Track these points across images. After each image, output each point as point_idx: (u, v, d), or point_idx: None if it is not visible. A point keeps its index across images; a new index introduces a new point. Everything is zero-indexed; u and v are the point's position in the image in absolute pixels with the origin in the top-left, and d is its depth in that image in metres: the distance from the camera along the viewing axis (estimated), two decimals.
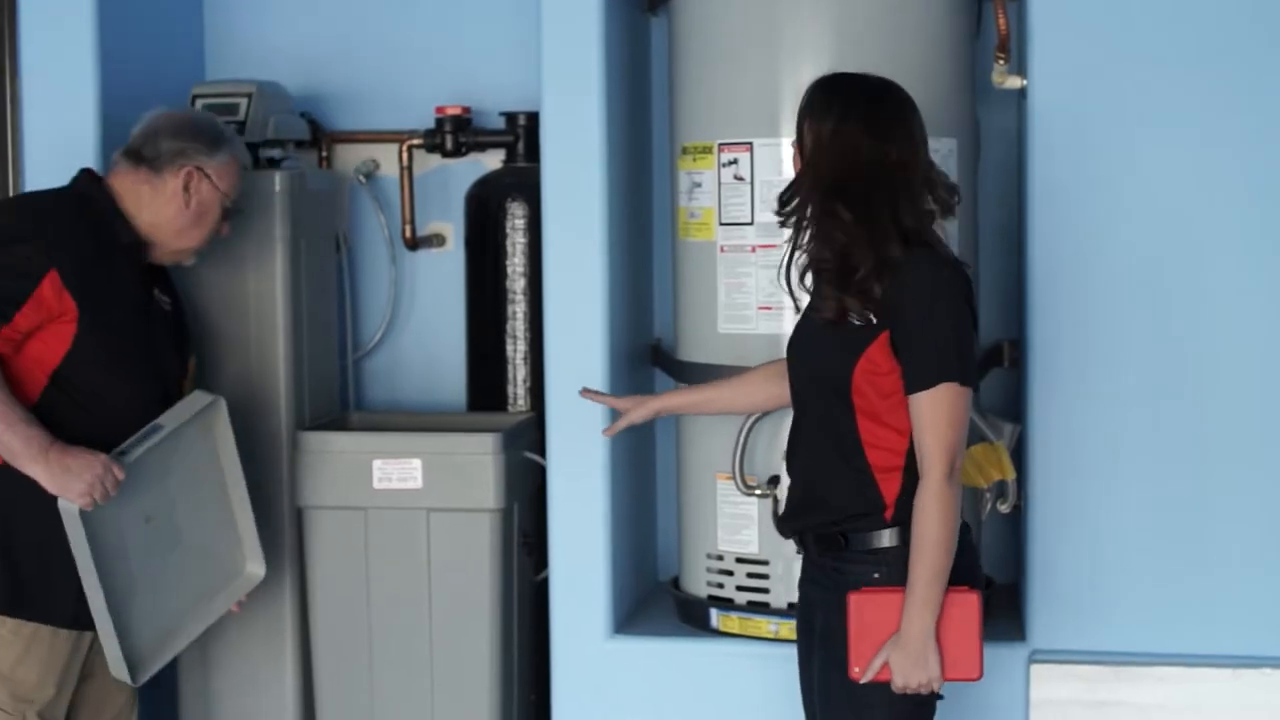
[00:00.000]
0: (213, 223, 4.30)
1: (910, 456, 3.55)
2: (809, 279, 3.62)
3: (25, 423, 3.94)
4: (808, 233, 3.57)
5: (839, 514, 3.60)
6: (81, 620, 4.06)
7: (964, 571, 3.57)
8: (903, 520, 3.54)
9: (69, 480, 3.94)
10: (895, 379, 3.51)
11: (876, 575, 3.56)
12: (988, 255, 4.74)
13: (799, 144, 3.62)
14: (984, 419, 4.34)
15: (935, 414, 3.48)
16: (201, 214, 4.25)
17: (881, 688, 3.53)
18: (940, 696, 3.62)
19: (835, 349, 3.57)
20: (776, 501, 4.33)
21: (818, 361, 3.63)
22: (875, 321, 3.51)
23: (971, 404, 3.54)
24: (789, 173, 4.26)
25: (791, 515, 3.76)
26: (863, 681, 3.53)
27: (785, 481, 4.22)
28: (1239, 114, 4.25)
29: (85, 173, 4.26)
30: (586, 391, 4.26)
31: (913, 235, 3.52)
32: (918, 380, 3.49)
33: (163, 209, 4.20)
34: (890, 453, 3.56)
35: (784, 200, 3.61)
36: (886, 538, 3.57)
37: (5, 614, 4.04)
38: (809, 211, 3.57)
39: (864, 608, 3.54)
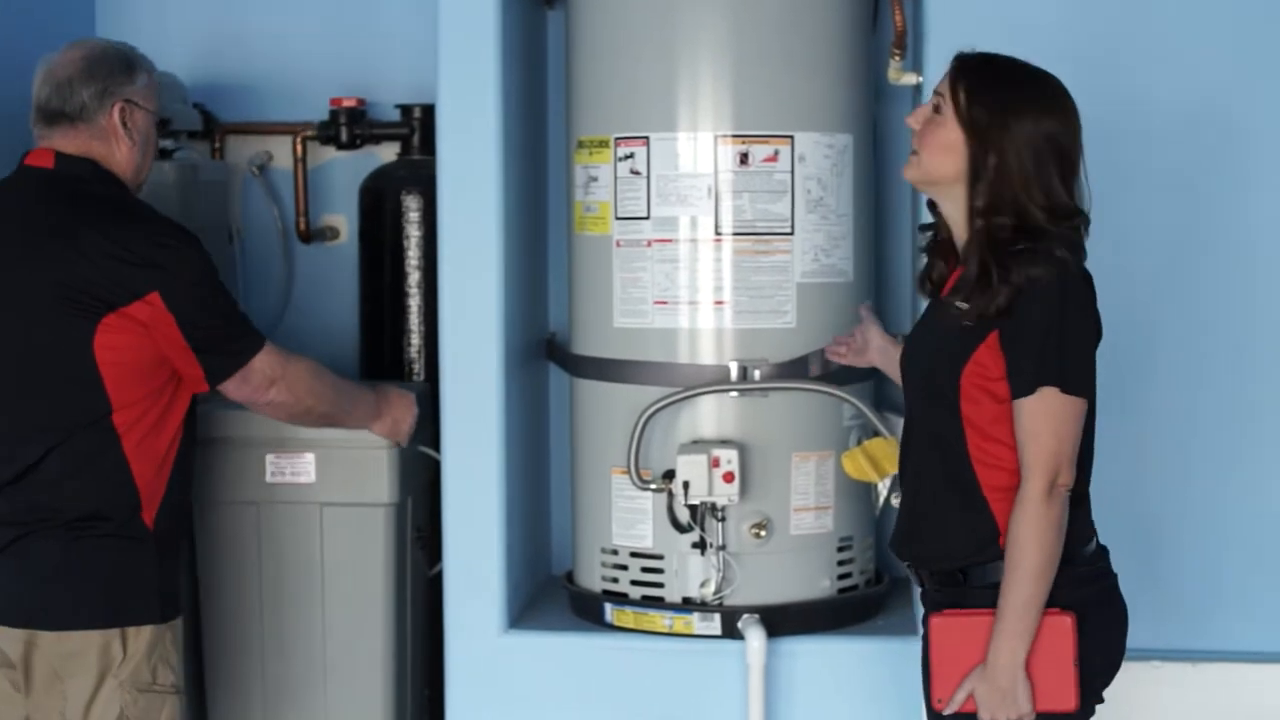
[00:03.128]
0: (155, 144, 4.13)
1: None
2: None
3: (355, 389, 4.41)
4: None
5: (951, 545, 3.41)
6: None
7: (1105, 602, 3.42)
8: None
9: (399, 428, 4.49)
10: (1006, 385, 3.31)
11: None
12: (885, 252, 4.76)
13: (959, 112, 3.41)
14: (878, 414, 4.36)
15: (1035, 422, 3.26)
16: (147, 142, 4.05)
17: None
18: None
19: (945, 351, 3.40)
20: (671, 496, 4.33)
21: (928, 366, 3.45)
22: (985, 319, 3.32)
23: (1080, 416, 3.30)
24: (685, 167, 4.31)
25: (902, 542, 3.58)
26: (946, 714, 3.36)
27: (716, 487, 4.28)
28: (1129, 113, 4.29)
29: (72, 161, 3.96)
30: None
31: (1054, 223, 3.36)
32: (1017, 384, 3.28)
33: (118, 154, 3.99)
34: (1004, 471, 3.34)
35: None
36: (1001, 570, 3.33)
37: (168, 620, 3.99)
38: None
39: (948, 632, 3.36)
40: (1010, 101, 3.38)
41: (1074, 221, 3.39)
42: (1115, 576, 3.49)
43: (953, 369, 3.37)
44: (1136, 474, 4.33)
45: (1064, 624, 3.31)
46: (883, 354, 4.10)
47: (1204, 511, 4.42)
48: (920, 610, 3.67)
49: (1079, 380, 3.31)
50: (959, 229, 3.45)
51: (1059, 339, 3.28)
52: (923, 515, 3.51)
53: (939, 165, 3.43)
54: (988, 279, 3.31)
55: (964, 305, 3.35)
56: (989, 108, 3.38)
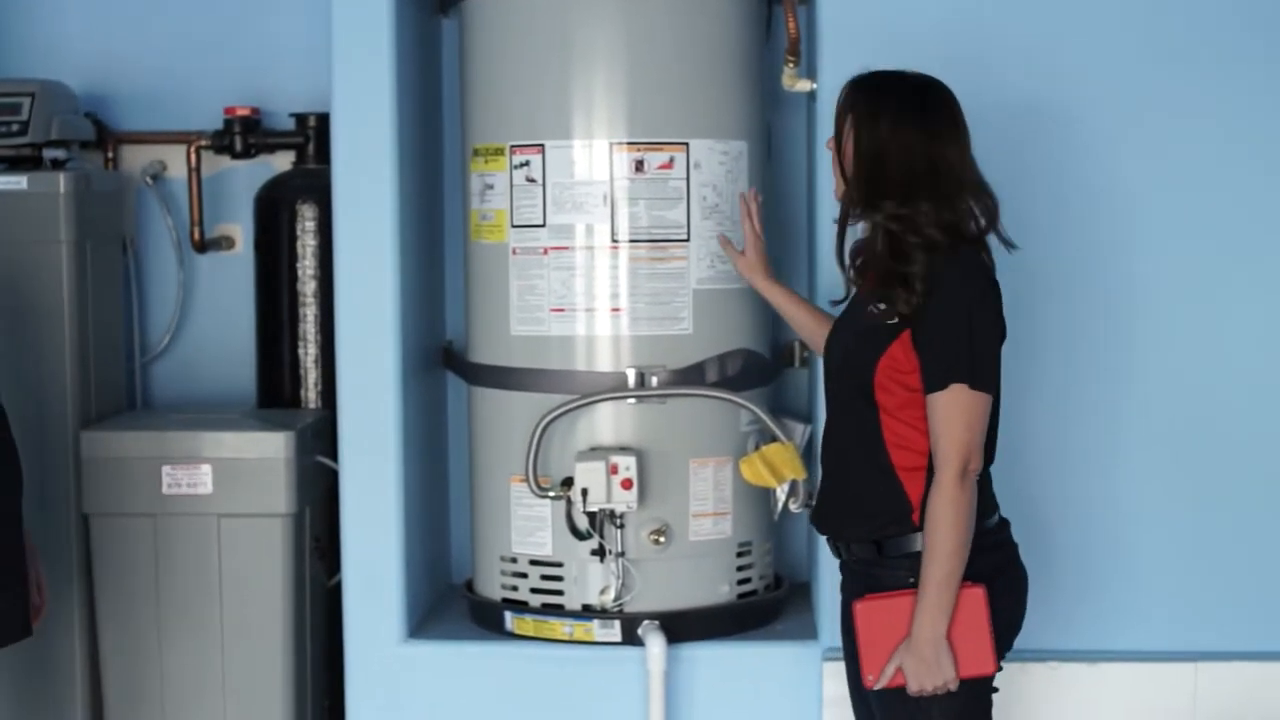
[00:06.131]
0: None
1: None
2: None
3: None
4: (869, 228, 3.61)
5: (873, 519, 3.58)
6: None
7: (1006, 568, 3.61)
8: None
9: None
10: (917, 377, 3.51)
11: (912, 580, 3.51)
12: (782, 259, 4.77)
13: (843, 143, 3.60)
14: (776, 420, 4.38)
15: (947, 414, 3.46)
16: None
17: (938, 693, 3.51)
18: (995, 690, 3.61)
19: (861, 345, 3.58)
20: (570, 503, 4.33)
21: (845, 357, 3.64)
22: (896, 319, 3.52)
23: (987, 409, 3.50)
24: (581, 175, 4.32)
25: (826, 517, 3.73)
26: (876, 688, 3.51)
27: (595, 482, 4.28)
28: (1022, 116, 4.33)
29: None
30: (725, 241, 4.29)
31: (952, 233, 3.54)
32: (930, 380, 3.49)
33: None
34: (914, 452, 3.54)
35: (855, 199, 3.60)
36: (919, 542, 3.53)
37: None
38: (873, 210, 3.58)
39: (871, 615, 3.52)
40: (899, 117, 3.58)
41: (976, 230, 3.59)
42: (1015, 546, 3.67)
43: (869, 361, 3.55)
44: (1030, 477, 4.37)
45: (977, 595, 3.49)
46: (757, 274, 4.19)
47: (1097, 514, 4.46)
48: (834, 583, 3.82)
49: (985, 376, 3.50)
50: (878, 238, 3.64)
51: (968, 338, 3.48)
52: (844, 492, 3.66)
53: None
54: (897, 282, 3.51)
55: (881, 306, 3.55)
56: (852, 125, 3.60)
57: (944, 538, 3.44)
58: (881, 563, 3.58)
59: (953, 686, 3.48)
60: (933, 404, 3.48)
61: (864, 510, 3.60)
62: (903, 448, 3.55)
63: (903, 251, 3.51)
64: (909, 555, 3.54)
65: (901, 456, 3.55)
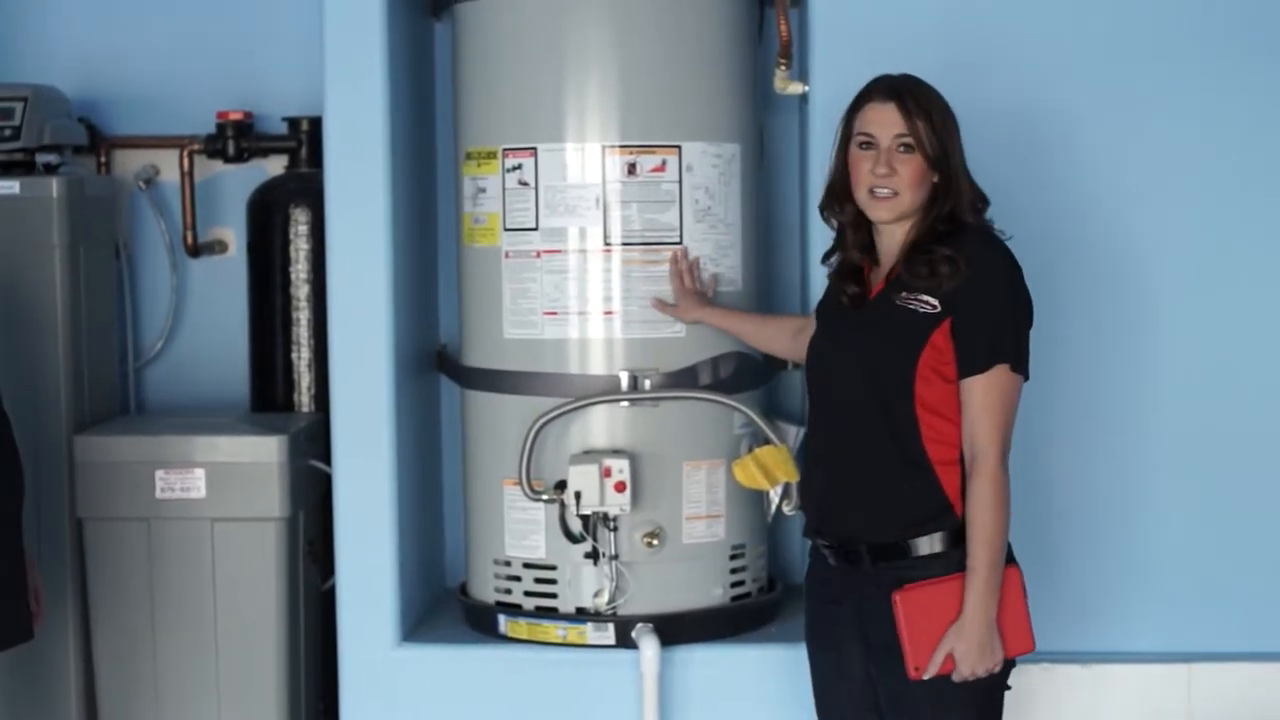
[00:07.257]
0: None
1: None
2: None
3: None
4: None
5: (899, 517, 3.57)
6: None
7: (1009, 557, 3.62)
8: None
9: None
10: (953, 367, 3.53)
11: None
12: (773, 260, 4.78)
13: (924, 146, 3.60)
14: (769, 422, 4.37)
15: (989, 398, 3.50)
16: None
17: (960, 689, 3.51)
18: (1009, 687, 3.63)
19: (896, 339, 3.57)
20: (563, 506, 4.33)
21: (878, 355, 3.60)
22: (939, 308, 3.52)
23: (1019, 394, 3.55)
24: (573, 178, 4.32)
25: (840, 521, 3.68)
26: (925, 678, 3.51)
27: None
28: (1013, 120, 4.33)
29: None
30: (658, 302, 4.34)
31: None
32: (973, 362, 3.50)
33: None
34: (947, 445, 3.56)
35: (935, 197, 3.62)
36: (948, 539, 3.55)
37: None
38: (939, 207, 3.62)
39: (915, 604, 3.52)
40: (949, 118, 3.64)
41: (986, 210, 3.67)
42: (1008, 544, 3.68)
43: (911, 354, 3.54)
44: (1024, 480, 4.36)
45: (1015, 575, 3.56)
46: (700, 310, 4.31)
47: (1092, 517, 4.47)
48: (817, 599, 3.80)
49: (1025, 360, 3.56)
50: (894, 244, 3.66)
51: (1012, 319, 3.53)
52: (866, 494, 3.63)
53: (920, 196, 3.63)
54: (944, 267, 3.52)
55: (921, 297, 3.55)
56: (939, 130, 3.61)
57: (993, 522, 3.48)
58: (910, 563, 3.57)
59: (997, 669, 3.52)
60: (972, 387, 3.51)
61: (894, 509, 3.59)
62: (938, 441, 3.56)
63: (939, 241, 3.55)
64: (941, 554, 3.55)
65: (937, 450, 3.56)
